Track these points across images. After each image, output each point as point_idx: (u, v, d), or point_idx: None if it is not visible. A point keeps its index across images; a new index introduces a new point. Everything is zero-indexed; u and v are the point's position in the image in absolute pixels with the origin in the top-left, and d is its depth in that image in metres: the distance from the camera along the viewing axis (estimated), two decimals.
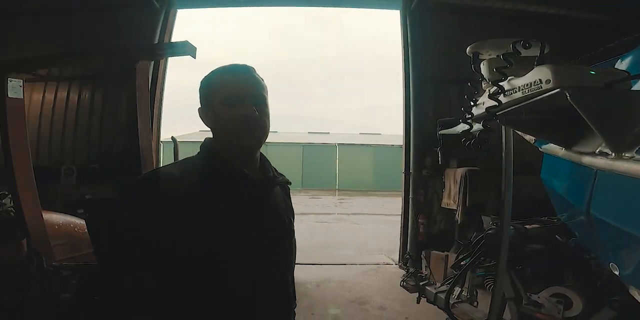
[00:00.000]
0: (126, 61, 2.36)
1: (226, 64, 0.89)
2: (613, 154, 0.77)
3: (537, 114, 1.07)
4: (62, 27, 4.74)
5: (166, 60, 5.09)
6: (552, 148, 1.11)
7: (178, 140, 3.17)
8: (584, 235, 1.16)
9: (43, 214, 2.40)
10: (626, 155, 0.74)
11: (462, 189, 4.05)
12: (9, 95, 2.14)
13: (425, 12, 5.02)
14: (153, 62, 3.93)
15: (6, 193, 2.66)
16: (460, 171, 4.23)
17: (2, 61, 2.26)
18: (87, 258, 2.36)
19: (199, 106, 0.90)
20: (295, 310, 1.11)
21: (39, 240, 2.25)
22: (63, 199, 4.27)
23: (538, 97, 0.88)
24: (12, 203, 2.42)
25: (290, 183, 0.96)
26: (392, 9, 5.44)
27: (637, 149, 0.72)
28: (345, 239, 7.27)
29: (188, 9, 5.57)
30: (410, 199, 4.90)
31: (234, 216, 0.81)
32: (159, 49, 2.78)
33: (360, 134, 22.85)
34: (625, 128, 0.72)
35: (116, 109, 4.88)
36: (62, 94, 4.98)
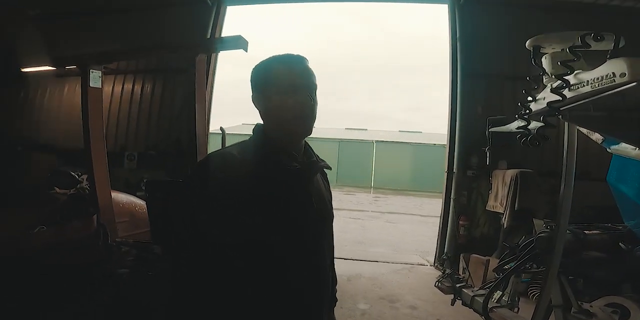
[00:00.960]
0: (188, 55, 2.55)
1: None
2: None
3: (608, 111, 1.00)
4: (124, 24, 5.22)
5: (217, 56, 5.36)
6: (623, 148, 1.03)
7: (226, 132, 3.35)
8: None
9: (111, 193, 2.67)
10: None
11: (511, 192, 3.83)
12: (90, 85, 2.41)
13: (475, 5, 4.83)
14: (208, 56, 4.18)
15: (79, 174, 3.01)
16: (510, 173, 4.01)
17: (85, 54, 2.54)
18: (145, 236, 2.59)
19: (252, 94, 0.93)
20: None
21: (106, 217, 2.51)
22: (125, 181, 4.77)
23: (611, 91, 0.84)
24: (87, 182, 2.72)
25: (331, 168, 1.00)
26: (441, 3, 5.29)
27: None
28: (379, 237, 7.21)
29: (237, 6, 5.82)
30: (451, 200, 4.74)
31: (287, 197, 0.87)
32: (215, 43, 2.94)
33: (399, 131, 22.35)
34: None
35: (173, 100, 5.29)
36: (127, 86, 5.54)
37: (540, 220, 1.64)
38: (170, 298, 0.85)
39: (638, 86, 0.76)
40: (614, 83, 0.83)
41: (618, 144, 1.05)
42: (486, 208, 4.48)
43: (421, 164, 16.60)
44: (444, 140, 5.25)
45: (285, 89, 0.88)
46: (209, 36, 5.09)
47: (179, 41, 4.31)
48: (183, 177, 1.43)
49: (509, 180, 3.92)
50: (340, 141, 17.99)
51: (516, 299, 2.32)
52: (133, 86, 5.51)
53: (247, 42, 2.52)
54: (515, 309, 2.24)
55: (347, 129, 22.23)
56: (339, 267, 4.47)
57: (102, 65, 2.56)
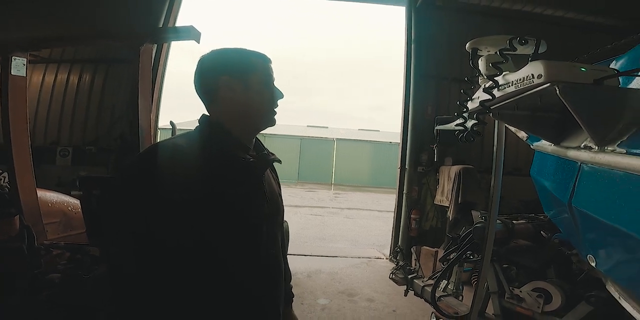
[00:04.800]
0: (131, 44, 2.36)
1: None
2: (597, 148, 0.80)
3: (530, 111, 1.09)
4: (67, 8, 4.71)
5: (168, 47, 5.06)
6: (542, 145, 1.13)
7: (177, 127, 3.17)
8: (567, 231, 1.20)
9: (37, 192, 2.41)
10: (608, 148, 0.77)
11: (455, 187, 4.09)
12: (12, 73, 2.14)
13: (430, 9, 5.04)
14: (156, 46, 3.92)
15: (1, 171, 2.67)
16: (454, 169, 4.27)
17: (8, 39, 2.25)
18: (81, 238, 2.37)
19: (220, 78, 0.86)
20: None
21: (32, 218, 2.26)
22: (57, 179, 4.31)
23: (529, 92, 0.91)
24: (7, 180, 2.42)
25: (281, 162, 0.99)
26: (398, 5, 5.44)
27: (618, 142, 0.75)
28: (338, 233, 7.34)
29: None
30: (404, 195, 4.95)
31: (241, 191, 0.83)
32: (164, 32, 2.76)
33: (359, 130, 22.85)
34: (610, 123, 0.75)
35: (116, 92, 4.88)
36: (62, 76, 4.98)
37: (477, 211, 1.76)
38: (112, 301, 0.78)
39: (551, 87, 0.82)
40: (532, 84, 0.89)
41: (539, 140, 1.15)
42: (434, 202, 4.73)
43: (379, 161, 17.15)
44: (399, 138, 5.45)
45: (268, 80, 0.89)
46: (161, 25, 4.79)
47: (124, 29, 3.98)
48: (119, 169, 1.30)
49: (454, 175, 4.18)
50: (302, 138, 18.00)
51: (460, 287, 2.48)
52: (69, 76, 4.96)
53: (200, 33, 2.40)
54: (460, 297, 2.40)
55: (309, 126, 22.28)
56: (301, 263, 4.45)
57: (27, 52, 2.29)
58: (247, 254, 0.83)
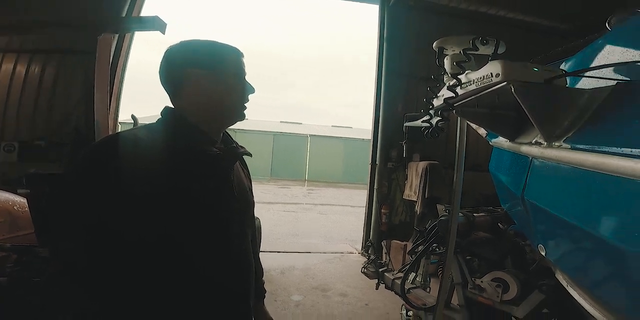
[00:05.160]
0: (87, 33, 2.21)
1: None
2: (545, 143, 0.85)
3: (489, 108, 1.14)
4: None
5: (131, 37, 4.78)
6: (499, 141, 1.19)
7: (140, 122, 3.02)
8: (520, 223, 1.28)
9: None
10: (555, 144, 0.82)
11: (422, 182, 4.23)
12: None
13: (402, 8, 5.12)
14: (117, 36, 3.70)
15: None
16: (422, 164, 4.41)
17: None
18: (28, 238, 2.20)
19: (189, 70, 0.82)
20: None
21: None
22: (2, 177, 3.95)
23: (488, 90, 0.94)
24: None
25: (251, 155, 0.97)
26: (372, 3, 5.47)
27: (564, 138, 0.80)
28: (312, 228, 7.37)
29: None
30: (375, 190, 5.05)
31: (208, 186, 0.81)
32: (124, 22, 2.61)
33: (332, 126, 22.98)
34: (557, 120, 0.80)
35: (70, 84, 4.51)
36: (7, 66, 4.53)
37: (442, 205, 1.83)
38: (69, 304, 0.74)
39: (507, 85, 0.86)
40: (491, 82, 0.92)
41: (497, 137, 1.21)
42: (403, 197, 4.87)
43: (352, 158, 17.37)
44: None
45: (240, 73, 0.87)
46: (124, 15, 4.52)
47: (81, 18, 3.71)
48: (70, 163, 1.22)
49: (421, 171, 4.32)
50: (275, 134, 17.85)
51: (428, 279, 2.57)
52: (15, 67, 4.52)
53: (165, 24, 2.30)
54: (428, 289, 2.48)
55: (282, 122, 22.12)
56: (274, 260, 4.41)
57: None
58: (214, 248, 0.81)
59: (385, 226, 4.90)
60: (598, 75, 0.82)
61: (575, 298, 0.95)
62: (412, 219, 4.66)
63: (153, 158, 0.75)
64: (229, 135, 0.96)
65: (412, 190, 4.49)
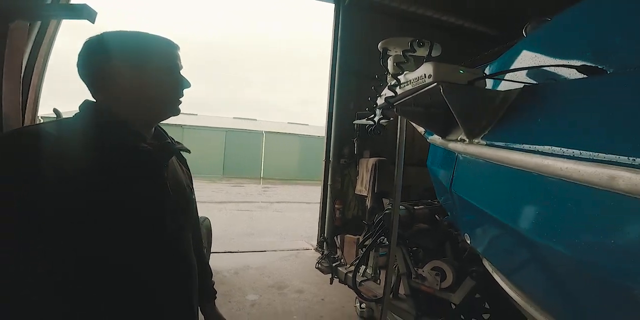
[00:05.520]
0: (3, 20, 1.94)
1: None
2: (467, 140, 0.93)
3: (424, 107, 1.21)
4: None
5: (57, 25, 4.29)
6: (434, 138, 1.28)
7: (65, 115, 2.73)
8: (452, 214, 1.39)
9: None
10: (475, 141, 0.90)
11: (372, 177, 4.40)
12: None
13: (357, 9, 5.22)
14: (40, 24, 3.29)
15: None
16: (371, 161, 4.57)
17: None
18: None
19: (110, 62, 0.75)
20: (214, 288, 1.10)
21: None
22: None
23: (422, 90, 1.00)
24: None
25: (189, 151, 0.92)
26: (327, 1, 5.48)
27: (482, 135, 0.88)
28: (267, 227, 7.29)
29: None
30: (328, 186, 5.13)
31: (138, 186, 0.75)
32: (44, 9, 2.32)
33: (288, 123, 22.86)
34: (477, 119, 0.88)
35: None
36: None
37: (387, 199, 1.93)
38: None
39: (437, 86, 0.91)
40: (424, 83, 0.98)
41: (432, 134, 1.29)
42: (355, 192, 5.01)
43: (307, 154, 17.45)
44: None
45: (171, 66, 0.81)
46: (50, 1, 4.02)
47: None
48: None
49: (371, 167, 4.49)
50: (228, 131, 17.26)
51: (378, 271, 2.68)
52: None
53: (95, 13, 2.09)
54: (378, 281, 2.59)
55: (236, 118, 21.47)
56: (228, 261, 4.25)
57: None
58: (147, 252, 0.76)
59: (339, 221, 5.01)
60: (512, 79, 0.92)
61: (499, 283, 1.06)
62: (364, 213, 4.81)
63: (63, 155, 0.67)
64: (163, 131, 0.91)
65: (363, 185, 4.64)
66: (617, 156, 0.50)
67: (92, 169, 0.69)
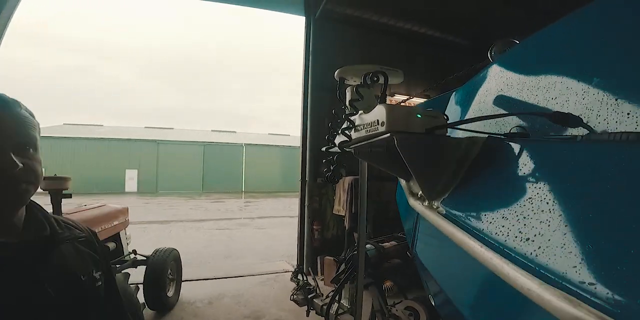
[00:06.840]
0: None
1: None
2: (426, 202, 0.81)
3: (385, 149, 1.09)
4: None
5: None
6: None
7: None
8: (418, 270, 1.27)
9: None
10: (435, 204, 0.78)
11: (348, 197, 4.28)
12: None
13: (328, 22, 5.11)
14: None
15: None
16: (347, 180, 4.46)
17: None
18: None
19: None
20: None
21: None
22: None
23: (376, 139, 0.88)
24: None
25: (85, 237, 0.75)
26: (297, 14, 5.38)
27: (442, 199, 0.76)
28: (247, 246, 7.02)
29: None
30: (306, 207, 4.97)
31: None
32: None
33: (269, 134, 22.64)
34: (437, 175, 0.76)
35: None
36: None
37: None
38: None
39: (391, 137, 0.80)
40: (377, 131, 0.86)
41: None
42: (333, 212, 4.87)
43: (290, 165, 17.24)
44: None
45: None
46: None
47: None
48: None
49: (347, 186, 4.37)
50: (206, 144, 16.81)
51: (355, 301, 2.53)
52: None
53: None
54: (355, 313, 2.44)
55: (214, 131, 21.03)
56: (201, 289, 3.96)
57: None
58: None
59: (318, 242, 4.84)
60: (471, 128, 0.80)
61: None
62: (343, 233, 4.67)
63: None
64: (42, 214, 0.72)
65: (341, 205, 4.52)
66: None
67: None
